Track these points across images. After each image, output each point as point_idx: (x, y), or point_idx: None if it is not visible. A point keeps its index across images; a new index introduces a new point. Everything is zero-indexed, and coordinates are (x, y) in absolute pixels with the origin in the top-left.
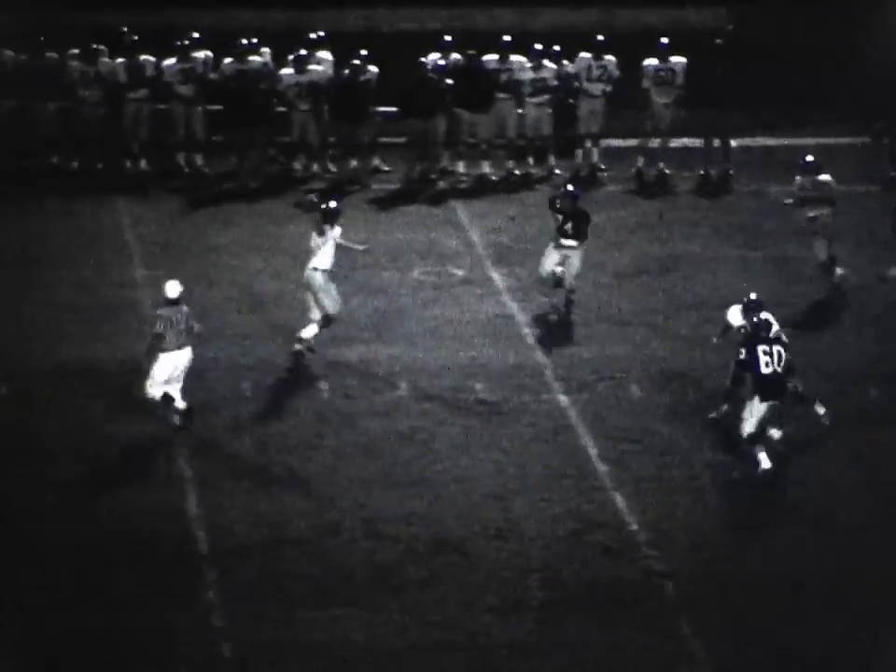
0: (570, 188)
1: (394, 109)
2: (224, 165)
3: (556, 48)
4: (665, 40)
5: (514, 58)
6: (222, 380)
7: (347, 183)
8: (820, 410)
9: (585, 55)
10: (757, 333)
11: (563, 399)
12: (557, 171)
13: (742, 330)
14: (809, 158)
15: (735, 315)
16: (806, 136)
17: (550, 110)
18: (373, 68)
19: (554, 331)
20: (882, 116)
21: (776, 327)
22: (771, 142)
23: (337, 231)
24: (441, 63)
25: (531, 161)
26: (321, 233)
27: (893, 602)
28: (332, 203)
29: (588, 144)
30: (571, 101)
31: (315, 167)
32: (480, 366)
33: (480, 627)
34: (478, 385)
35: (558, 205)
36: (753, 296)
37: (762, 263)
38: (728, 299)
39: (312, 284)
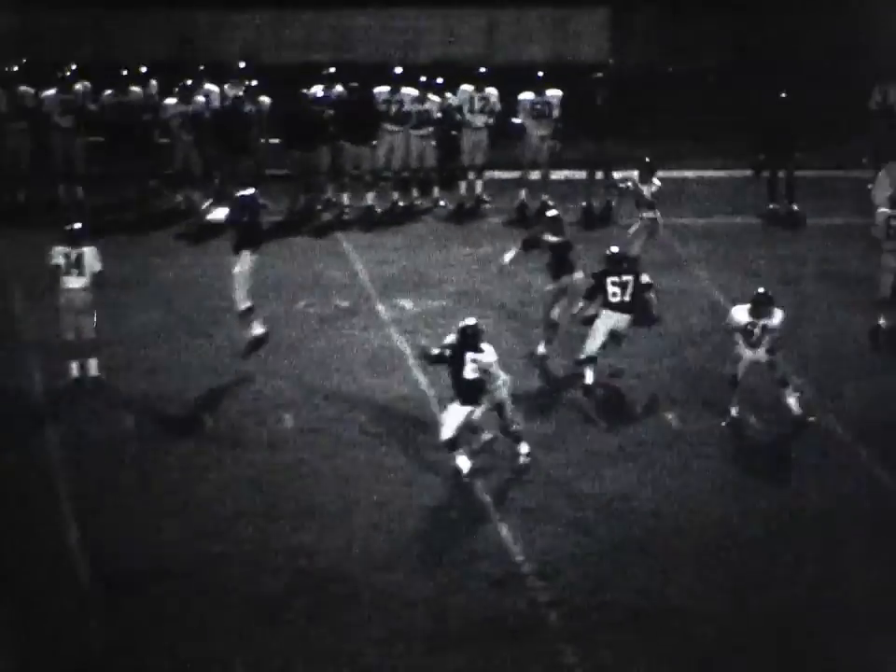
0: (242, 193)
1: (278, 141)
2: (106, 197)
3: (439, 80)
4: (540, 73)
5: (404, 90)
6: (105, 412)
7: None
8: (523, 449)
9: (467, 87)
10: (464, 341)
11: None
12: (442, 202)
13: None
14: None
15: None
16: (687, 169)
17: (434, 142)
18: (265, 99)
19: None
20: (762, 149)
21: (484, 343)
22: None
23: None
24: (325, 94)
25: (416, 192)
26: (73, 260)
27: (798, 635)
28: (76, 225)
29: (472, 176)
30: (454, 133)
31: (198, 198)
32: (365, 398)
33: (366, 660)
34: (363, 417)
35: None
36: (471, 321)
37: None
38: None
39: (82, 304)
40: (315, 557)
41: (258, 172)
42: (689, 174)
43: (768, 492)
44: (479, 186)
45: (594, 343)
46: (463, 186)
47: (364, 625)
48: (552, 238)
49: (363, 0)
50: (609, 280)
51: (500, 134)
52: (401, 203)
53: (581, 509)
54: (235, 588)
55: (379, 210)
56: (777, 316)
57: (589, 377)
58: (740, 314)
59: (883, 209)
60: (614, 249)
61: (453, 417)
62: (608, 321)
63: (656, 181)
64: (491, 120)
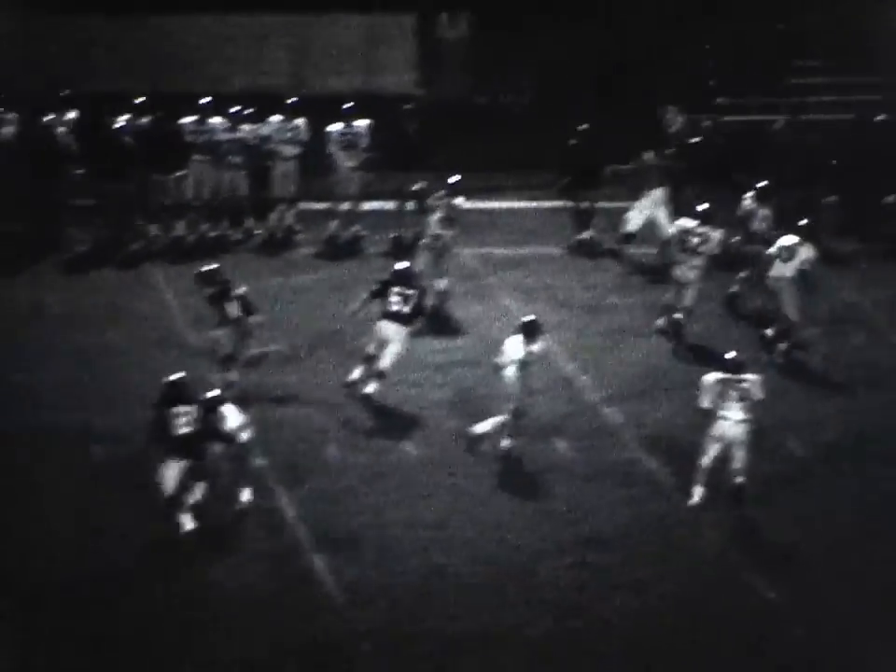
0: None
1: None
2: None
3: (249, 110)
4: (348, 105)
5: (212, 119)
6: None
7: (40, 244)
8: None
9: (276, 117)
10: (170, 396)
11: (261, 462)
12: (256, 231)
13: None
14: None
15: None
16: (495, 200)
17: (244, 172)
18: (62, 128)
19: (249, 393)
20: (567, 178)
21: (215, 393)
22: (467, 205)
23: None
24: (129, 124)
25: (226, 222)
26: None
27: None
28: None
29: (282, 206)
30: (265, 163)
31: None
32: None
33: None
34: None
35: None
36: (177, 376)
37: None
38: (426, 358)
39: None
40: (131, 588)
41: (64, 201)
42: (496, 204)
43: (575, 518)
44: (290, 216)
45: (369, 348)
46: (274, 216)
47: (171, 658)
48: (206, 290)
49: (174, 24)
50: (393, 290)
51: (310, 165)
52: (212, 233)
53: (394, 538)
54: (42, 619)
55: (189, 240)
56: (540, 344)
57: (371, 387)
58: (514, 344)
59: (680, 222)
60: (403, 265)
61: (169, 475)
62: (379, 328)
63: (460, 200)
64: (300, 150)
